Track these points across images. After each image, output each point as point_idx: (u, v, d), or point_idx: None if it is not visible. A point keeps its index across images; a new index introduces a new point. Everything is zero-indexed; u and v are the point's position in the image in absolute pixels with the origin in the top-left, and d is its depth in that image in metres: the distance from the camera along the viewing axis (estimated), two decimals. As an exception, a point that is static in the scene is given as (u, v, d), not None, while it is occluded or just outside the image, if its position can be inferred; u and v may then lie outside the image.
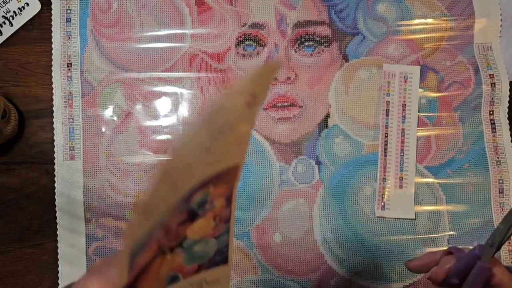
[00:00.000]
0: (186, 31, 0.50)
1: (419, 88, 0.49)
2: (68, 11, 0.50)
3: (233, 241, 0.30)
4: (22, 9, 0.50)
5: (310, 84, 0.50)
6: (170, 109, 0.49)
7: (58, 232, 0.46)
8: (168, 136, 0.48)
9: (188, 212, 0.26)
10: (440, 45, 0.51)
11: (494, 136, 0.49)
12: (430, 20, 0.51)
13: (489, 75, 0.50)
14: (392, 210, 0.48)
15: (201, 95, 0.49)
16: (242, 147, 0.27)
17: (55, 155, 0.48)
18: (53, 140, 0.48)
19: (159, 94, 0.49)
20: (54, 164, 0.47)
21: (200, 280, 0.28)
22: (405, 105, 0.49)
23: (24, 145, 0.48)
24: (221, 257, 0.28)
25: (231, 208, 0.28)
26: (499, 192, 0.48)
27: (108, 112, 0.48)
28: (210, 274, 0.28)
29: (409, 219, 0.48)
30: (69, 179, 0.47)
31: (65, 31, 0.49)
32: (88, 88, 0.49)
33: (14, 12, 0.50)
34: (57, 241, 0.46)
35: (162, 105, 0.49)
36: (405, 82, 0.49)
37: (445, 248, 0.47)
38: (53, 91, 0.49)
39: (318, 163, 0.48)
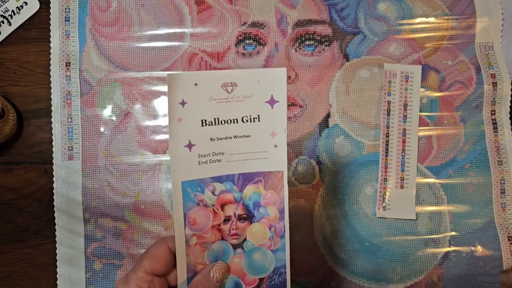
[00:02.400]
0: (186, 30, 0.50)
1: (421, 87, 0.49)
2: (67, 10, 0.50)
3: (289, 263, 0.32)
4: (20, 8, 0.49)
5: (311, 84, 0.49)
6: (170, 109, 0.48)
7: (56, 233, 0.46)
8: (168, 136, 0.48)
9: (245, 208, 0.31)
10: (441, 44, 0.50)
11: (495, 136, 0.49)
12: (431, 19, 0.51)
13: (491, 74, 0.50)
14: (393, 211, 0.47)
15: (200, 95, 0.49)
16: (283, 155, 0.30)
17: (53, 155, 0.47)
18: (52, 140, 0.48)
19: (158, 94, 0.49)
20: (53, 164, 0.47)
21: None
22: (406, 104, 0.49)
23: (22, 145, 0.48)
24: (280, 281, 0.31)
25: (284, 224, 0.31)
26: (501, 192, 0.48)
27: (107, 112, 0.48)
28: None
29: (410, 219, 0.47)
30: (67, 179, 0.47)
31: (64, 30, 0.49)
32: (87, 87, 0.49)
33: (12, 11, 0.49)
34: (56, 242, 0.46)
35: (162, 104, 0.48)
36: (406, 81, 0.49)
37: (446, 248, 0.47)
38: (52, 91, 0.48)
39: (319, 163, 0.48)
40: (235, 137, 0.30)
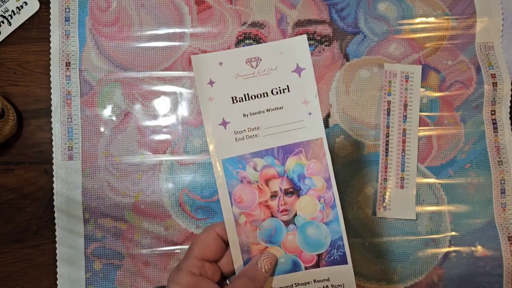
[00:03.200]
0: (186, 30, 0.49)
1: (421, 87, 0.49)
2: (67, 10, 0.50)
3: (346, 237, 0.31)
4: (20, 8, 0.49)
5: (311, 84, 0.49)
6: (170, 109, 0.48)
7: (56, 233, 0.46)
8: (168, 136, 0.48)
9: (290, 181, 0.30)
10: (441, 44, 0.50)
11: (496, 136, 0.49)
12: (431, 19, 0.51)
13: (491, 74, 0.50)
14: (393, 211, 0.47)
15: (200, 95, 0.49)
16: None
17: (53, 155, 0.47)
18: (52, 140, 0.48)
19: (158, 94, 0.49)
20: (52, 164, 0.47)
21: (325, 281, 0.30)
22: (407, 104, 0.49)
23: (22, 145, 0.48)
24: (339, 254, 0.30)
25: (333, 193, 0.30)
26: (501, 193, 0.48)
27: (107, 112, 0.48)
28: (333, 275, 0.30)
29: (411, 219, 0.47)
30: (67, 179, 0.47)
31: (64, 30, 0.49)
32: (87, 87, 0.49)
33: (12, 11, 0.49)
34: (56, 242, 0.46)
35: (162, 104, 0.48)
36: (406, 81, 0.49)
37: (446, 249, 0.47)
38: (52, 91, 0.48)
39: (319, 163, 0.48)
40: (268, 110, 0.30)
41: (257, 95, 0.30)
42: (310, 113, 0.30)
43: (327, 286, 0.30)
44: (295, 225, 0.30)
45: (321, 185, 0.30)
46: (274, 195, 0.30)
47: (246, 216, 0.30)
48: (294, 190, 0.30)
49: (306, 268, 0.30)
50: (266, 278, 0.29)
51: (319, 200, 0.30)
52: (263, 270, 0.29)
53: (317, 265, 0.30)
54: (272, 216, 0.30)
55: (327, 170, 0.30)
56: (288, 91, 0.30)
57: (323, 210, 0.30)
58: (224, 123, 0.30)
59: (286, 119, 0.30)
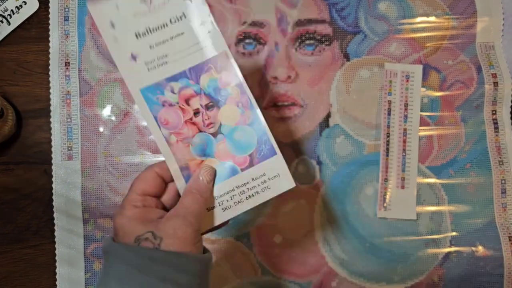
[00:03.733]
0: (186, 30, 0.49)
1: (421, 87, 0.49)
2: (66, 9, 0.49)
3: (272, 135, 0.33)
4: (20, 7, 0.49)
5: (311, 83, 0.49)
6: (170, 109, 0.48)
7: (56, 233, 0.46)
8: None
9: (208, 96, 0.33)
10: (442, 44, 0.50)
11: (496, 135, 0.49)
12: (432, 19, 0.51)
13: (492, 74, 0.49)
14: (393, 211, 0.47)
15: (200, 95, 0.49)
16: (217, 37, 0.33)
17: (52, 155, 0.47)
18: (51, 140, 0.48)
19: (158, 94, 0.48)
20: (52, 164, 0.47)
21: (261, 177, 0.33)
22: (407, 104, 0.49)
23: (22, 145, 0.48)
24: (268, 148, 0.33)
25: (248, 96, 0.33)
26: (502, 192, 0.48)
27: (106, 112, 0.48)
28: (267, 169, 0.33)
29: (411, 220, 0.47)
30: (67, 179, 0.47)
31: (63, 29, 0.49)
32: (86, 87, 0.48)
33: (11, 10, 0.49)
34: (55, 242, 0.46)
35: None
36: (407, 81, 0.49)
37: (447, 249, 0.47)
38: (51, 91, 0.48)
39: (319, 163, 0.48)
40: (171, 38, 0.32)
41: (158, 27, 0.32)
42: (209, 31, 0.33)
43: (264, 180, 0.33)
44: (223, 134, 0.33)
45: (236, 92, 0.33)
46: (196, 112, 0.33)
47: (175, 135, 0.33)
48: (214, 103, 0.33)
49: (242, 170, 0.33)
50: (210, 189, 0.32)
51: (237, 106, 0.33)
52: (205, 181, 0.32)
53: (251, 164, 0.33)
54: (200, 131, 0.33)
55: (237, 77, 0.33)
56: (185, 17, 0.32)
57: (243, 113, 0.33)
58: (134, 57, 0.32)
59: (190, 41, 0.33)
